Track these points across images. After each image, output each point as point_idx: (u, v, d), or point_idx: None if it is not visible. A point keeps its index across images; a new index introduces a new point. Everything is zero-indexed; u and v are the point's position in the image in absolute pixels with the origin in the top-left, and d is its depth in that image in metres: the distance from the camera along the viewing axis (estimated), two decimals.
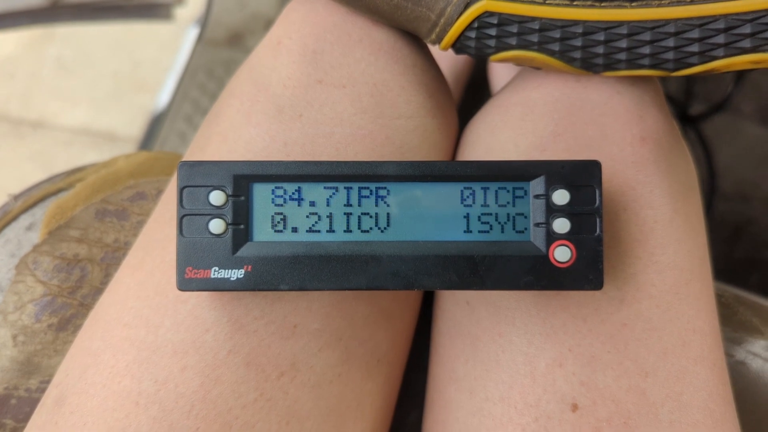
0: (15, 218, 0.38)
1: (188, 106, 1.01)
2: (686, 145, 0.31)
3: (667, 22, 0.26)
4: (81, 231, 0.37)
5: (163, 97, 1.02)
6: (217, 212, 0.26)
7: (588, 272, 0.25)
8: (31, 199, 0.40)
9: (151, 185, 0.38)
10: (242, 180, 0.26)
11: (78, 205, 0.37)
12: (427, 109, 0.30)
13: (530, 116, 0.29)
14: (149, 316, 0.28)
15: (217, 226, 0.25)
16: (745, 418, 0.31)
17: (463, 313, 0.29)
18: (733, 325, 0.40)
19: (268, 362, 0.27)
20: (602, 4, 0.26)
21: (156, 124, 1.02)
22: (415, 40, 0.31)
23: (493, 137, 0.30)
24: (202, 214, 0.26)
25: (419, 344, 0.35)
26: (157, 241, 0.29)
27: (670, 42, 0.26)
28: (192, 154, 0.31)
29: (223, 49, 1.04)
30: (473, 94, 0.75)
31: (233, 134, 0.29)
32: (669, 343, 0.27)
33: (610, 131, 0.28)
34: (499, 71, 0.61)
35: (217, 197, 0.25)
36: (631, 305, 0.27)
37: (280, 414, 0.27)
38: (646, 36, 0.26)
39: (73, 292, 0.36)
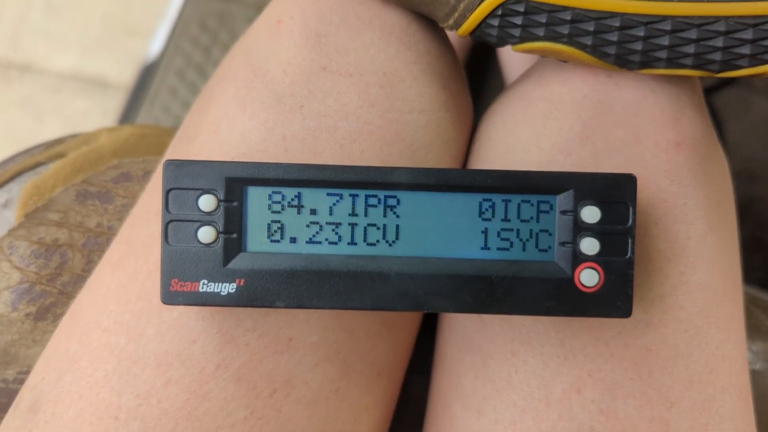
0: None
1: (180, 60, 0.98)
2: (723, 150, 0.28)
3: (717, 19, 0.23)
4: (60, 214, 0.34)
5: (155, 45, 0.98)
6: (207, 219, 0.23)
7: (616, 298, 0.23)
8: (7, 173, 0.37)
9: (137, 165, 0.35)
10: (236, 183, 0.23)
11: (57, 186, 0.34)
12: (441, 101, 0.28)
13: (555, 114, 0.27)
14: (131, 323, 0.25)
15: (206, 234, 0.23)
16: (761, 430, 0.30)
17: (474, 327, 0.27)
18: (748, 329, 0.38)
19: (260, 378, 0.25)
20: None
21: (147, 74, 0.98)
22: (430, 22, 0.28)
23: (514, 136, 0.27)
24: (191, 221, 0.23)
25: (420, 345, 0.33)
26: (140, 239, 0.27)
27: (719, 42, 0.23)
28: (179, 144, 0.28)
29: (216, 0, 0.99)
30: (477, 77, 0.71)
31: (226, 124, 0.26)
32: (696, 370, 0.25)
33: (642, 135, 0.26)
34: (511, 54, 0.57)
35: (207, 202, 0.23)
36: (657, 329, 0.25)
37: None
38: (692, 34, 0.23)
39: (52, 280, 0.34)
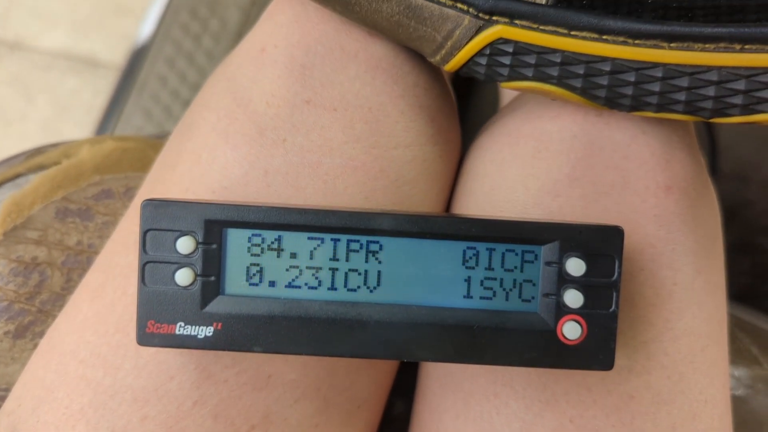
0: None
1: (170, 48, 0.96)
2: (714, 189, 0.28)
3: (710, 68, 0.22)
4: (40, 232, 0.33)
5: (145, 27, 0.96)
6: (184, 261, 0.22)
7: (598, 351, 0.22)
8: None
9: (119, 182, 0.35)
10: (215, 225, 0.22)
11: (36, 203, 0.33)
12: (428, 136, 0.27)
13: (544, 153, 0.26)
14: (108, 356, 0.25)
15: (184, 276, 0.22)
16: None
17: (456, 365, 0.27)
18: (731, 354, 0.38)
19: (238, 415, 0.25)
20: (636, 42, 0.23)
21: (137, 60, 0.96)
22: (418, 54, 0.28)
23: (501, 173, 0.27)
24: (168, 262, 0.22)
25: (403, 368, 0.33)
26: (119, 267, 0.26)
27: (711, 91, 0.23)
28: (160, 170, 0.27)
29: None
30: (469, 88, 0.70)
31: (207, 155, 0.26)
32: (678, 417, 0.25)
33: (632, 178, 0.25)
34: None
35: (185, 244, 0.22)
36: (641, 375, 0.25)
37: None
38: (684, 82, 0.23)
39: (31, 298, 0.33)
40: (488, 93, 0.66)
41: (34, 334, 0.33)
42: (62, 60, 1.07)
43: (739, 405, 0.36)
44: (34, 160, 0.37)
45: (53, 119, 1.01)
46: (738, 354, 0.38)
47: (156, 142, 0.39)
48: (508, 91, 0.54)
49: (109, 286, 0.26)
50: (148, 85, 0.98)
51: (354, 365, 0.27)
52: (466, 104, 0.67)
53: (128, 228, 0.27)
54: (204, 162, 0.26)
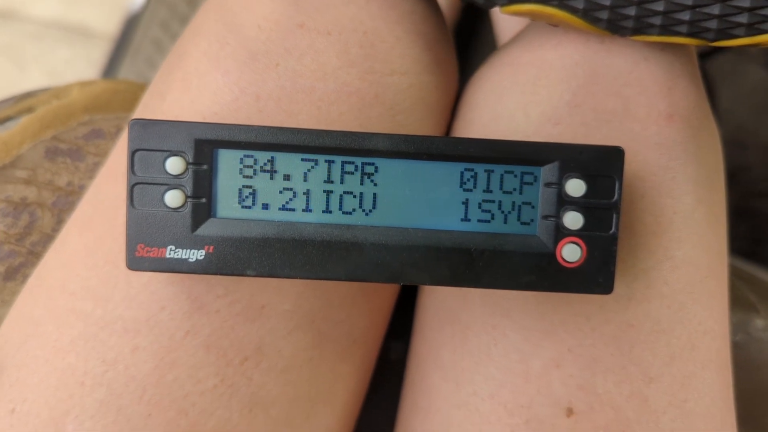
0: None
1: (164, 11, 0.95)
2: (715, 121, 0.27)
3: None
4: (29, 171, 0.33)
5: None
6: (174, 182, 0.22)
7: (597, 274, 0.22)
8: None
9: (110, 122, 0.34)
10: (205, 145, 0.22)
11: (25, 142, 0.33)
12: (424, 64, 0.26)
13: (544, 81, 0.25)
14: (97, 288, 0.24)
15: (174, 198, 0.22)
16: (739, 404, 0.30)
17: (454, 297, 0.27)
18: (729, 302, 0.37)
19: (230, 345, 0.24)
20: None
21: (131, 25, 0.95)
22: None
23: (500, 102, 0.26)
24: (157, 184, 0.22)
25: (399, 310, 0.33)
26: (108, 199, 0.26)
27: (716, 9, 0.22)
28: (150, 100, 0.27)
29: None
30: (467, 40, 0.69)
31: (198, 81, 0.25)
32: (677, 346, 0.24)
33: (633, 105, 0.25)
34: (501, 16, 0.55)
35: (174, 164, 0.22)
36: (640, 304, 0.24)
37: (242, 401, 0.25)
38: (688, 0, 0.22)
39: (21, 239, 0.33)
40: (491, 39, 0.65)
41: (25, 276, 0.33)
42: (55, 29, 1.05)
43: (736, 351, 0.36)
44: (23, 102, 0.36)
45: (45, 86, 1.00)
46: (736, 301, 0.37)
47: (147, 86, 0.38)
48: (506, 34, 0.53)
49: (98, 217, 0.26)
50: (143, 49, 0.96)
51: (349, 298, 0.26)
52: (469, 48, 0.67)
53: (117, 161, 0.27)
54: (194, 88, 0.25)
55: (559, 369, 0.24)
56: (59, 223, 0.33)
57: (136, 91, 0.36)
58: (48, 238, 0.33)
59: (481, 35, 0.67)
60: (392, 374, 0.33)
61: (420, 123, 0.26)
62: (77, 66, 1.03)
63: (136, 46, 0.96)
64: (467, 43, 0.67)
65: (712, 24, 0.23)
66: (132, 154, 0.22)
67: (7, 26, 1.06)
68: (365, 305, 0.27)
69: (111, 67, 0.94)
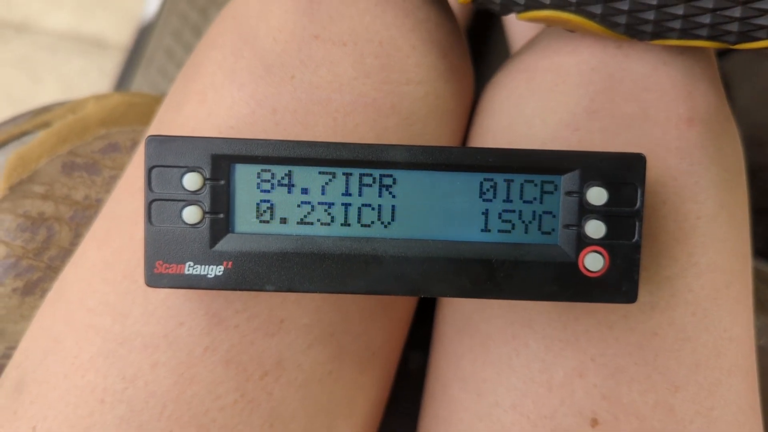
0: None
1: (176, 20, 0.95)
2: (735, 123, 0.27)
3: None
4: (46, 186, 0.33)
5: (151, 4, 0.95)
6: (192, 198, 0.22)
7: (621, 283, 0.21)
8: None
9: (125, 135, 0.34)
10: (222, 160, 0.22)
11: (42, 157, 0.33)
12: (440, 72, 0.26)
13: (562, 87, 0.25)
14: (116, 304, 0.24)
15: (192, 214, 0.22)
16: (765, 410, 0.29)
17: (473, 307, 0.26)
18: (753, 305, 0.37)
19: (250, 360, 0.24)
20: None
21: (144, 35, 0.96)
22: None
23: (517, 108, 0.26)
24: (175, 200, 0.22)
25: (419, 320, 0.32)
26: (126, 213, 0.26)
27: (737, 12, 0.22)
28: (167, 112, 0.27)
29: None
30: (480, 44, 0.69)
31: (214, 95, 0.25)
32: (702, 354, 0.24)
33: (653, 110, 0.24)
34: (516, 21, 0.55)
35: (192, 180, 0.22)
36: (664, 312, 0.24)
37: (262, 416, 0.24)
38: (709, 3, 0.22)
39: (39, 254, 0.33)
40: (504, 46, 0.65)
41: (43, 290, 0.33)
42: (68, 41, 1.06)
43: (760, 355, 0.36)
44: (40, 117, 0.36)
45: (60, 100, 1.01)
46: (759, 304, 0.37)
47: (163, 98, 0.38)
48: (520, 39, 0.53)
49: (116, 232, 0.26)
50: (156, 59, 0.97)
51: (368, 311, 0.26)
52: (483, 55, 0.66)
53: (134, 174, 0.27)
54: (210, 101, 0.25)
55: (582, 379, 0.24)
56: (77, 237, 0.33)
57: (152, 103, 0.36)
58: (66, 253, 0.33)
59: (492, 41, 0.67)
60: (411, 384, 0.33)
61: (436, 131, 0.26)
62: (91, 77, 1.03)
63: (149, 56, 0.97)
64: (479, 49, 0.66)
65: (733, 27, 0.22)
66: (149, 171, 0.22)
67: (22, 39, 1.07)
68: (384, 317, 0.27)
69: (124, 78, 0.95)
